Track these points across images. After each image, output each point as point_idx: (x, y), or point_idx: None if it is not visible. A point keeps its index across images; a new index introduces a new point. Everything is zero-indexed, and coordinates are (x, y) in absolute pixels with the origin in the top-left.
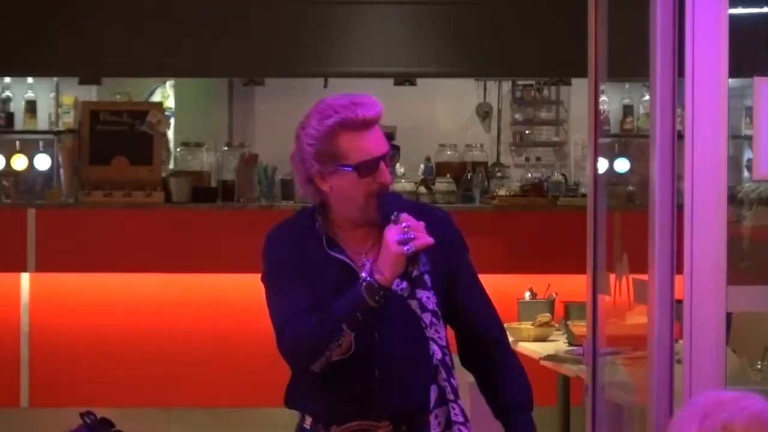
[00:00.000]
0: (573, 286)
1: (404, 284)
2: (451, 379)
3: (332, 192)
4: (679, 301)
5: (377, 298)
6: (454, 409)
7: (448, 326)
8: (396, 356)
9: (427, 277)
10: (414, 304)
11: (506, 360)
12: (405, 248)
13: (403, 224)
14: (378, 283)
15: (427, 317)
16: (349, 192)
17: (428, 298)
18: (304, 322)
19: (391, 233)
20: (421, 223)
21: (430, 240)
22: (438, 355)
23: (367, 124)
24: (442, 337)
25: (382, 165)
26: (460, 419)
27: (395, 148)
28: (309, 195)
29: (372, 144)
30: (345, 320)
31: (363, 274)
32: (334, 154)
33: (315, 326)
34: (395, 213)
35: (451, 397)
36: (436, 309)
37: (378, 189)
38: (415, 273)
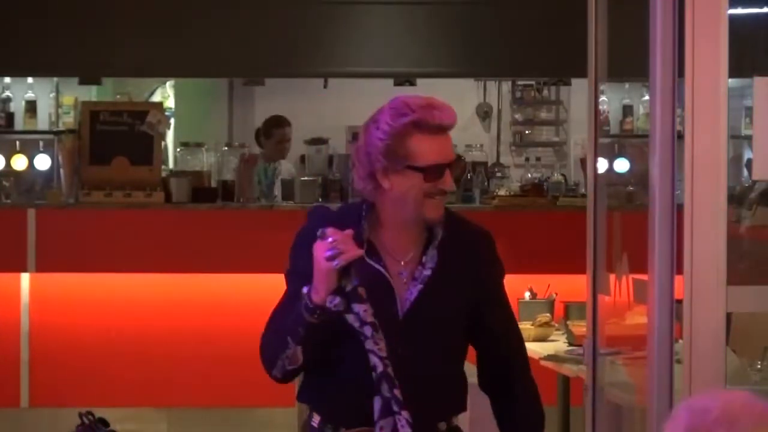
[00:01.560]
0: (573, 286)
1: (337, 299)
2: (395, 390)
3: (391, 190)
4: (679, 301)
5: (315, 316)
6: (399, 420)
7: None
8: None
9: (361, 290)
10: (350, 318)
11: (525, 389)
12: (334, 263)
13: (329, 239)
14: (314, 303)
15: (367, 330)
16: (409, 193)
17: (365, 311)
18: (270, 327)
19: (319, 249)
20: (349, 232)
21: (359, 252)
22: (379, 368)
23: (441, 129)
24: (382, 349)
25: (448, 172)
26: (407, 430)
27: (459, 158)
28: (366, 191)
29: (442, 149)
30: (289, 333)
31: (304, 290)
32: (403, 153)
33: (271, 334)
34: (321, 230)
35: (395, 408)
36: (374, 321)
37: (437, 194)
38: (348, 287)
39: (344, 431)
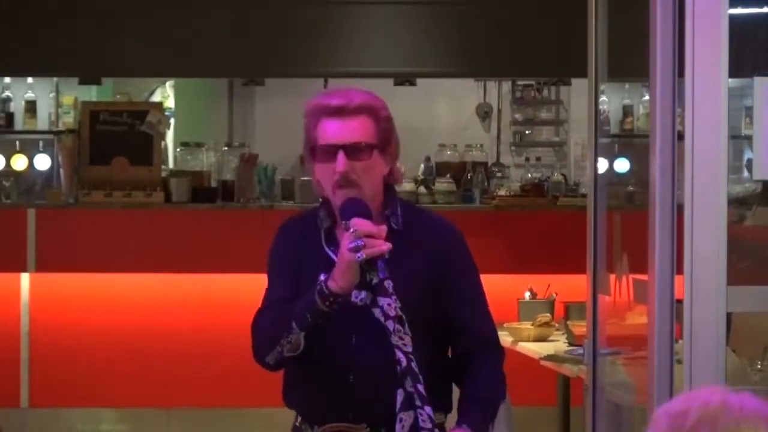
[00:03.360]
0: (573, 286)
1: (363, 294)
2: (418, 385)
3: (314, 175)
4: (679, 301)
5: (327, 303)
6: (421, 415)
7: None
8: (371, 362)
9: (388, 284)
10: (377, 312)
11: (487, 375)
12: (357, 255)
13: (352, 230)
14: (329, 290)
15: (390, 324)
16: (320, 177)
17: (389, 305)
18: (265, 318)
19: (344, 241)
20: (381, 228)
21: (384, 247)
22: (403, 362)
23: (335, 112)
24: (407, 344)
25: (340, 155)
26: (428, 425)
27: (368, 145)
28: (312, 179)
29: (335, 131)
30: (296, 320)
31: (321, 277)
32: (310, 136)
33: (271, 320)
34: (345, 222)
35: (418, 403)
36: (400, 314)
37: (338, 180)
38: (374, 281)
39: (317, 428)
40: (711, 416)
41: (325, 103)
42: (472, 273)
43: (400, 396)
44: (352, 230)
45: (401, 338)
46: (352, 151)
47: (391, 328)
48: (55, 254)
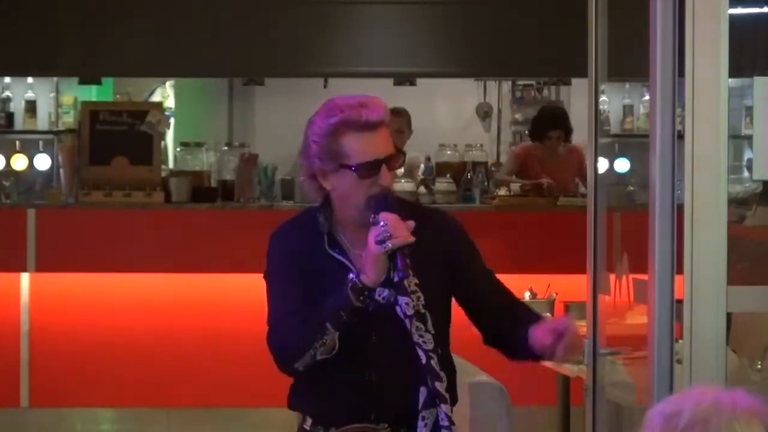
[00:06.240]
0: (573, 286)
1: (386, 293)
2: (436, 384)
3: (334, 191)
4: (679, 301)
5: (362, 298)
6: (440, 413)
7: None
8: (391, 360)
9: (408, 282)
10: (398, 310)
11: (527, 311)
12: (383, 246)
13: (381, 223)
14: (362, 284)
15: (408, 323)
16: (349, 192)
17: (407, 303)
18: (291, 323)
19: (371, 234)
20: (410, 223)
21: (410, 238)
22: (423, 359)
23: (370, 126)
24: (427, 341)
25: (384, 168)
26: (446, 423)
27: (399, 153)
28: (312, 192)
29: (374, 146)
30: (330, 319)
31: (351, 275)
32: (336, 153)
33: (300, 324)
34: (373, 215)
35: (437, 401)
36: (423, 312)
37: (378, 192)
38: (395, 279)
39: (333, 430)
40: (703, 416)
41: (363, 119)
42: (479, 255)
43: (422, 394)
44: (381, 224)
45: (421, 336)
46: (391, 162)
47: (409, 326)
48: (55, 254)
